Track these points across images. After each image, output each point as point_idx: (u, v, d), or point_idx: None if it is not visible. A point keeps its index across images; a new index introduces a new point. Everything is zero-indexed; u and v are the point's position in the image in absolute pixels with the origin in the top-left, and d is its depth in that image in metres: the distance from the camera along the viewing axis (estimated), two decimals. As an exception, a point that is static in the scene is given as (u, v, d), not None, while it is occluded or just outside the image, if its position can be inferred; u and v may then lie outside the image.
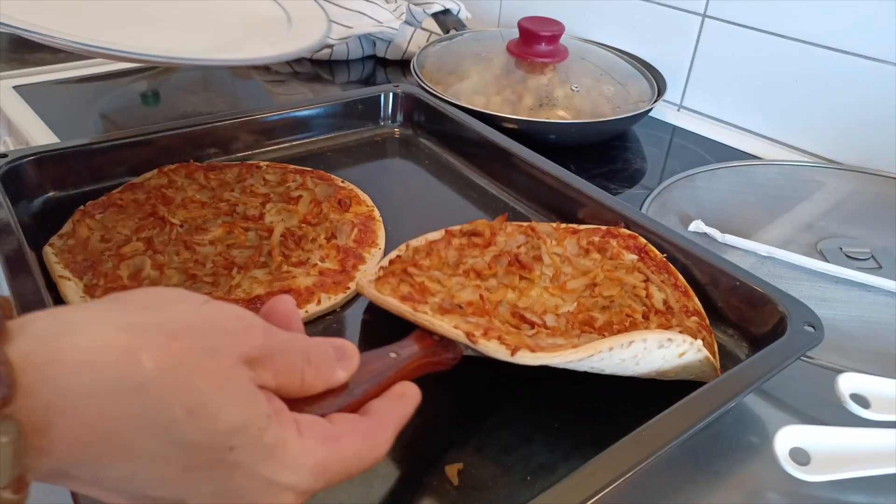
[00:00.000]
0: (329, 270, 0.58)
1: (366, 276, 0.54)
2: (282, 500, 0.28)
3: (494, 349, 0.43)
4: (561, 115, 0.89)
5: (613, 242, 0.59)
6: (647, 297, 0.53)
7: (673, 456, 0.47)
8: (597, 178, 0.84)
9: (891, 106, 0.85)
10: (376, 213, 0.68)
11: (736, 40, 0.96)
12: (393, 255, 0.57)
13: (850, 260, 0.68)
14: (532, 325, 0.48)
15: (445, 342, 0.45)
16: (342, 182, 0.72)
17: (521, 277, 0.53)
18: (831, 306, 0.62)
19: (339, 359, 0.34)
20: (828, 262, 0.67)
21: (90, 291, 0.52)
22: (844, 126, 0.90)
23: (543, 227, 0.61)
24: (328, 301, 0.55)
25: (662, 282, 0.55)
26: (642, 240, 0.60)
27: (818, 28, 0.88)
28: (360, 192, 0.71)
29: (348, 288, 0.57)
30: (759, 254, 0.68)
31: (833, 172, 0.86)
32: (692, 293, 0.56)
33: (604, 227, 0.62)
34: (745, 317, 0.55)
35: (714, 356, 0.50)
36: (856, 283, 0.64)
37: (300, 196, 0.66)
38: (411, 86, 0.89)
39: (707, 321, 0.54)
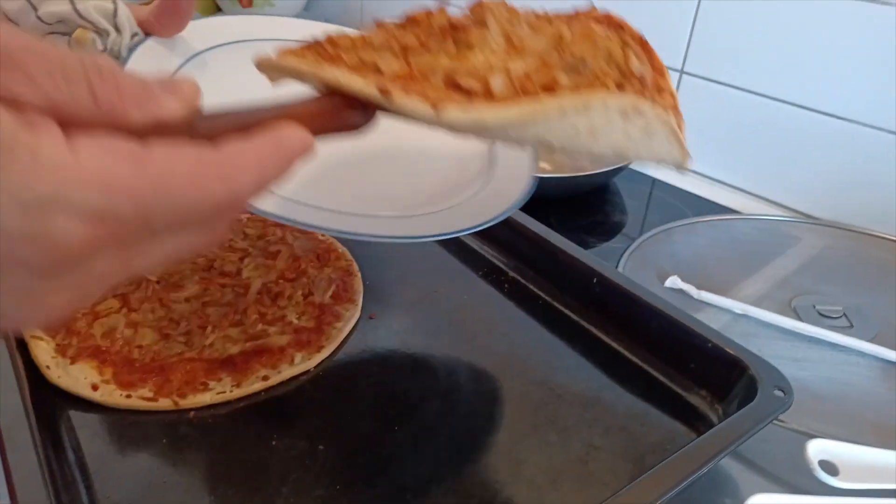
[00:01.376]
0: (304, 328, 0.58)
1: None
2: (55, 221, 0.21)
3: (413, 106, 0.34)
4: (542, 168, 0.90)
5: (582, 18, 0.48)
6: (625, 61, 0.43)
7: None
8: (577, 231, 0.85)
9: (864, 165, 0.87)
10: (354, 266, 0.69)
11: (714, 96, 0.99)
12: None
13: (823, 318, 0.69)
14: (469, 93, 0.37)
15: (352, 101, 0.36)
16: (322, 236, 0.72)
17: (460, 43, 0.41)
18: (803, 366, 0.62)
19: (168, 89, 0.26)
20: (801, 320, 0.68)
21: (62, 351, 0.52)
22: (821, 182, 0.92)
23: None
24: (301, 360, 0.55)
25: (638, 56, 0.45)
26: (618, 18, 0.49)
27: (794, 88, 0.91)
28: (339, 246, 0.71)
29: (322, 346, 0.57)
30: (735, 311, 0.69)
31: (809, 227, 0.87)
32: (667, 74, 0.47)
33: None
34: (717, 378, 0.56)
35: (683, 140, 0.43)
36: (828, 343, 0.65)
37: (279, 251, 0.67)
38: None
39: (678, 104, 0.45)
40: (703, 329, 0.57)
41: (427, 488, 0.47)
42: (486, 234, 0.76)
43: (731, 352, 0.55)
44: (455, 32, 0.42)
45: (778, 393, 0.52)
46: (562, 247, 0.68)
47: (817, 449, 0.50)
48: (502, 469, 0.49)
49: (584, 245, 0.69)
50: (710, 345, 0.56)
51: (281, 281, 0.63)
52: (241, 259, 0.65)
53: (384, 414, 0.53)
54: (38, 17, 0.50)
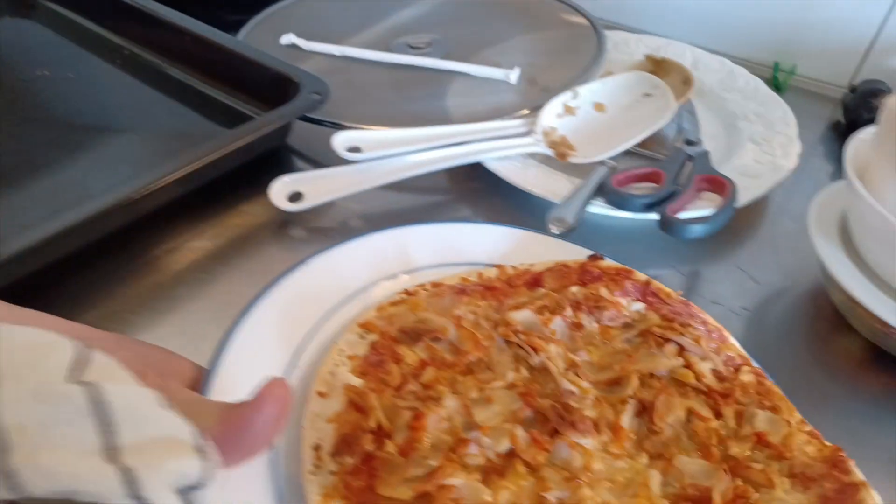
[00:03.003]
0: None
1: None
2: None
3: None
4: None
5: (603, 291, 0.46)
6: (697, 378, 0.41)
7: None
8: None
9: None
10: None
11: None
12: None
13: (412, 49, 0.80)
14: None
15: None
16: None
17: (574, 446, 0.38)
18: (353, 80, 0.75)
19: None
20: (390, 52, 0.79)
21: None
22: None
23: (514, 307, 0.45)
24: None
25: (697, 339, 0.43)
26: (640, 275, 0.47)
27: None
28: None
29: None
30: (335, 54, 0.79)
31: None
32: (725, 332, 0.45)
33: (572, 265, 0.48)
34: (274, 92, 0.66)
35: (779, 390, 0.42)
36: (394, 64, 0.77)
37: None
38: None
39: (751, 361, 0.44)
40: (262, 57, 0.67)
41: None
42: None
43: (282, 70, 0.65)
44: (572, 430, 0.38)
45: (315, 96, 0.63)
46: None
47: (343, 137, 0.62)
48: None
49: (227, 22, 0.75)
50: (268, 69, 0.66)
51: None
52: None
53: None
54: None
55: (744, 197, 0.59)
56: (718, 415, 0.41)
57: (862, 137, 0.53)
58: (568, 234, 0.55)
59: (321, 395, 0.39)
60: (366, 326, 0.43)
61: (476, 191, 0.66)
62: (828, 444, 0.39)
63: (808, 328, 0.55)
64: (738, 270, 0.59)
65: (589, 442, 0.38)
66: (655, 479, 0.37)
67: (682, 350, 0.43)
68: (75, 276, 0.53)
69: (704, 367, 0.42)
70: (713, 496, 0.36)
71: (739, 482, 0.37)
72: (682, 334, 0.43)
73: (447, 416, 0.38)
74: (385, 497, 0.34)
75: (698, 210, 0.58)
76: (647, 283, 0.47)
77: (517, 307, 0.45)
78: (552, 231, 0.55)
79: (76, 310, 0.51)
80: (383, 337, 0.42)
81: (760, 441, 0.39)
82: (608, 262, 0.48)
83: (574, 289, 0.46)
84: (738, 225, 0.63)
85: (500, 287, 0.46)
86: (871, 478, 0.42)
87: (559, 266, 0.47)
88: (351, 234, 0.50)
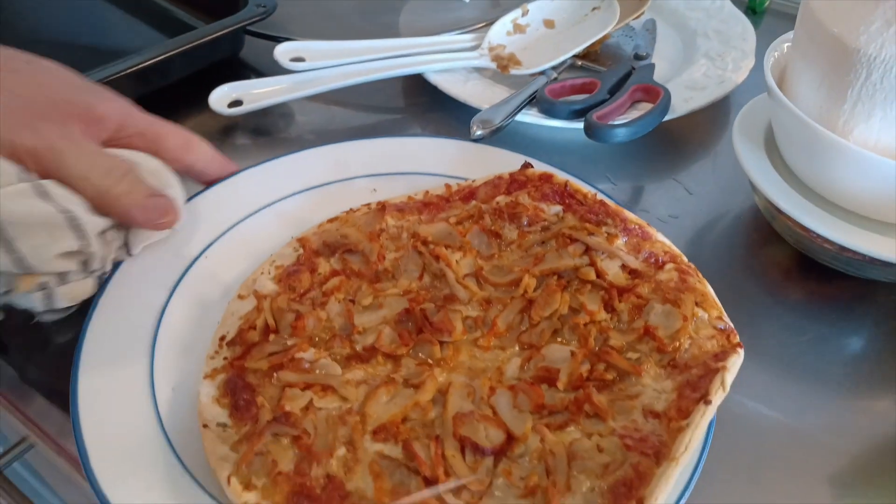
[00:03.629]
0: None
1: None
2: None
3: None
4: None
5: (524, 198, 0.48)
6: (599, 276, 0.43)
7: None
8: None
9: None
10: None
11: None
12: (240, 310, 0.43)
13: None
14: (491, 451, 0.36)
15: None
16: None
17: (441, 343, 0.41)
18: None
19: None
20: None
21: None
22: None
23: (437, 212, 0.49)
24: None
25: (610, 236, 0.45)
26: (559, 178, 0.49)
27: None
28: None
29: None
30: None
31: None
32: (651, 230, 0.46)
33: (505, 176, 0.50)
34: (223, 7, 0.66)
35: (704, 287, 0.43)
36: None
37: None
38: None
39: (683, 258, 0.45)
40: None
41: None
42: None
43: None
44: (436, 333, 0.41)
45: (259, 8, 0.64)
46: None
47: (286, 48, 0.63)
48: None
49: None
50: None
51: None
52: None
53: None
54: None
55: (684, 107, 0.59)
56: (612, 309, 0.42)
57: (783, 42, 0.52)
58: (493, 139, 0.56)
59: (241, 297, 0.44)
60: (300, 241, 0.47)
61: (424, 106, 0.66)
62: (736, 341, 0.39)
63: (740, 239, 0.56)
64: (674, 182, 0.59)
65: (449, 338, 0.41)
66: (513, 364, 0.40)
67: (587, 249, 0.44)
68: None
69: (609, 265, 0.44)
70: (560, 376, 0.38)
71: (602, 367, 0.39)
72: (591, 233, 0.45)
73: (327, 318, 0.42)
74: (250, 369, 0.39)
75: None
76: (565, 186, 0.48)
77: (435, 221, 0.47)
78: (474, 133, 0.55)
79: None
80: (307, 250, 0.46)
81: (647, 333, 0.40)
82: (534, 170, 0.49)
83: (500, 198, 0.48)
84: (679, 138, 0.63)
85: (437, 203, 0.49)
86: (784, 377, 0.43)
87: (494, 178, 0.49)
88: (297, 146, 0.53)
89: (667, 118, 0.58)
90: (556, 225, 0.46)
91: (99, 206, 0.39)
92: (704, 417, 0.35)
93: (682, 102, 0.59)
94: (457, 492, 0.34)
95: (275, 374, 0.39)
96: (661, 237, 0.45)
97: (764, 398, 0.44)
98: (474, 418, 0.36)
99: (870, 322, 0.49)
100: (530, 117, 0.58)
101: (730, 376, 0.37)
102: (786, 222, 0.50)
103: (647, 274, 0.43)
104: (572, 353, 0.39)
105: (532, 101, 0.59)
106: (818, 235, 0.47)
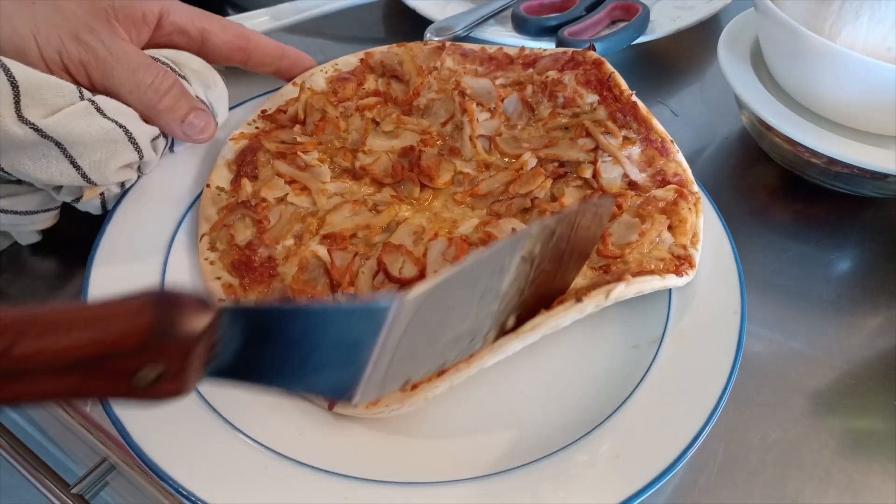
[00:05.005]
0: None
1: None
2: None
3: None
4: None
5: (569, 79, 0.47)
6: (594, 176, 0.43)
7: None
8: None
9: None
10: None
11: None
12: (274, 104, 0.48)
13: None
14: (398, 281, 0.38)
15: None
16: None
17: (424, 186, 0.44)
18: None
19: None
20: None
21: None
22: None
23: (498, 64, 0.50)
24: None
25: (627, 140, 0.44)
26: (608, 68, 0.47)
27: None
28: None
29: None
30: None
31: None
32: (671, 145, 0.44)
33: (569, 52, 0.49)
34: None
35: (690, 216, 0.41)
36: None
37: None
38: None
39: (692, 184, 0.43)
40: None
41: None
42: None
43: None
44: (422, 176, 0.44)
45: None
46: None
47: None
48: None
49: None
50: None
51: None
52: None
53: None
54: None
55: (671, 26, 0.57)
56: None
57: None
58: None
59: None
60: (367, 53, 0.51)
61: (405, 34, 0.64)
62: (683, 268, 0.39)
63: (727, 161, 0.54)
64: (659, 104, 0.57)
65: (430, 184, 0.44)
66: (469, 223, 0.42)
67: (596, 147, 0.44)
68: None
69: (609, 169, 0.43)
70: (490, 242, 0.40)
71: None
72: (607, 132, 0.44)
73: (345, 129, 0.47)
74: (264, 147, 0.45)
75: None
76: (609, 77, 0.46)
77: (486, 75, 0.49)
78: (428, 39, 0.54)
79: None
80: (364, 63, 0.50)
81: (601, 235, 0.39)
82: (592, 53, 0.48)
83: (552, 72, 0.47)
84: (666, 60, 0.61)
85: (501, 60, 0.50)
86: (765, 293, 0.42)
87: (560, 52, 0.49)
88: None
89: (653, 38, 0.56)
90: (586, 115, 0.46)
91: (145, 118, 0.41)
92: (567, 314, 0.35)
93: (670, 21, 0.57)
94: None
95: (272, 161, 0.43)
96: (679, 157, 0.44)
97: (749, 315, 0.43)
98: (401, 252, 0.39)
99: (856, 240, 0.48)
100: (502, 36, 0.56)
101: (632, 290, 0.36)
102: (773, 139, 0.49)
103: (645, 187, 0.42)
104: (515, 231, 0.40)
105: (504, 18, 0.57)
106: (805, 149, 0.46)
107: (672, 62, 0.61)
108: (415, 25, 0.62)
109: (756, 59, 0.50)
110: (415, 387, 0.34)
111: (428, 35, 0.54)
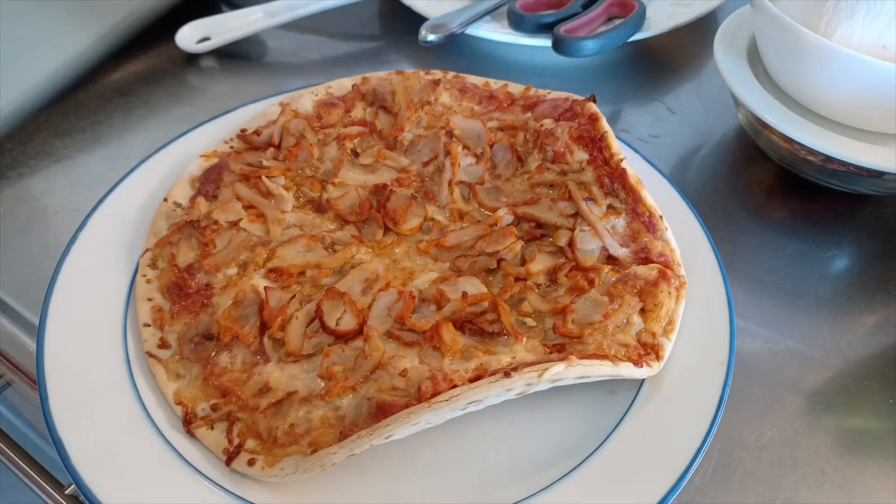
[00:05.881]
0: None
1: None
2: None
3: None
4: None
5: (561, 131, 0.44)
6: (570, 245, 0.40)
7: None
8: None
9: None
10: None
11: None
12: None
13: None
14: (332, 333, 0.36)
15: None
16: None
17: (388, 230, 0.42)
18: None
19: None
20: None
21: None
22: None
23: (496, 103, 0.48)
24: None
25: (611, 210, 0.41)
26: (602, 125, 0.44)
27: None
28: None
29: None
30: None
31: None
32: (660, 221, 0.41)
33: (570, 100, 0.47)
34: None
35: (669, 302, 0.38)
36: None
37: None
38: None
39: (678, 267, 0.40)
40: None
41: None
42: None
43: None
44: (386, 217, 0.42)
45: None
46: None
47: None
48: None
49: None
50: None
51: None
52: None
53: None
54: None
55: (668, 23, 0.57)
56: (553, 279, 0.39)
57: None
58: (445, 44, 0.55)
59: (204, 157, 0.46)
60: (364, 78, 0.50)
61: (400, 31, 0.64)
62: (645, 361, 0.35)
63: (723, 159, 0.54)
64: (656, 101, 0.57)
65: (394, 228, 0.42)
66: (426, 276, 0.39)
67: (576, 213, 0.41)
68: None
69: (587, 240, 0.40)
70: (442, 305, 0.37)
71: (491, 317, 0.37)
72: (590, 198, 0.41)
73: (319, 157, 0.45)
74: (230, 167, 0.44)
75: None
76: (601, 136, 0.43)
77: (480, 116, 0.47)
78: (424, 37, 0.53)
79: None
80: (356, 89, 0.49)
81: (560, 311, 0.37)
82: (591, 106, 0.45)
83: (547, 121, 0.45)
84: (663, 58, 0.61)
85: (502, 100, 0.48)
86: (761, 292, 0.42)
87: (562, 98, 0.47)
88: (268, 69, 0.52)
89: (650, 35, 0.56)
90: (573, 174, 0.43)
91: None
92: (491, 388, 0.32)
93: (666, 19, 0.57)
94: (285, 352, 0.36)
95: (234, 183, 0.42)
96: (668, 235, 0.40)
97: (741, 312, 0.43)
98: (344, 300, 0.37)
99: (853, 238, 0.48)
100: (497, 34, 0.56)
101: (573, 372, 0.33)
102: (770, 137, 0.49)
103: (625, 263, 0.39)
104: (467, 295, 0.37)
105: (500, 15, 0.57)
106: (802, 147, 0.46)
107: (668, 59, 0.61)
108: (410, 22, 0.61)
109: (752, 57, 0.50)
110: (314, 450, 0.31)
111: (423, 32, 0.54)
